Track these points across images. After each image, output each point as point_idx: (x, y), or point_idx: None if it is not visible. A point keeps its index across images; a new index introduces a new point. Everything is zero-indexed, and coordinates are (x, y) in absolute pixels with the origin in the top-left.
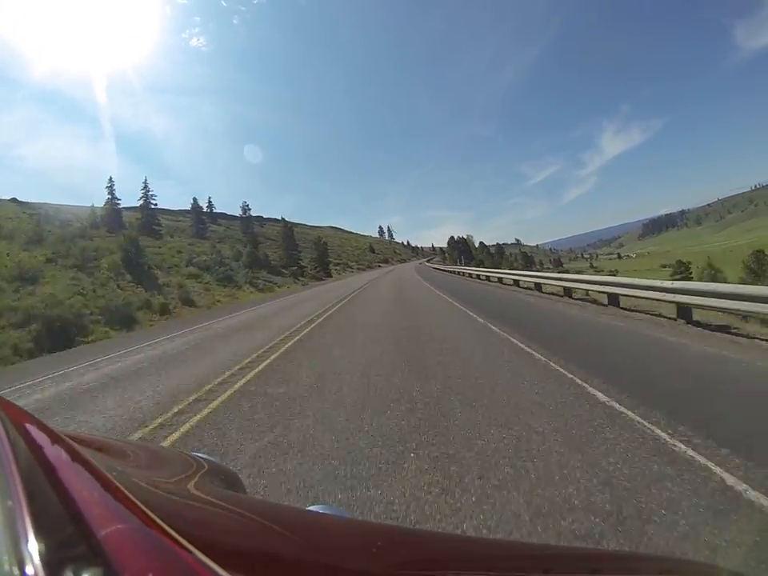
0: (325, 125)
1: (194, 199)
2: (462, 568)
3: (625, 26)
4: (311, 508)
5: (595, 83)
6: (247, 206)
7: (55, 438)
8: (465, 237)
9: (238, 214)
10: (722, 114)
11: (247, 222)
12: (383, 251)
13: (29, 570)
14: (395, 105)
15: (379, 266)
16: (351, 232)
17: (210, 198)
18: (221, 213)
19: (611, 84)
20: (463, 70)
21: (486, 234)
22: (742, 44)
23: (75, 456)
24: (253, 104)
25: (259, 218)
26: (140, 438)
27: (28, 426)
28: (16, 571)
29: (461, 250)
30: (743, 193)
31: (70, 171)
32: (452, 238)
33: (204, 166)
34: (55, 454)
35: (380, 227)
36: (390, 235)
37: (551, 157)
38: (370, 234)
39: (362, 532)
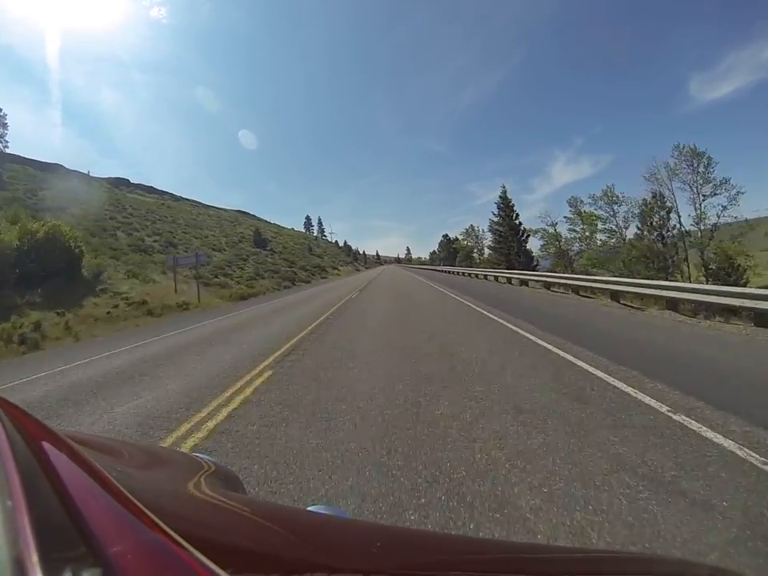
0: (277, 122)
1: None
2: (462, 569)
3: (587, 65)
4: (311, 508)
5: (552, 114)
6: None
7: (55, 438)
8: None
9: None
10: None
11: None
12: (289, 250)
13: (28, 570)
14: (351, 111)
15: None
16: (263, 219)
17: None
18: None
19: (567, 116)
20: (424, 86)
21: (428, 249)
22: (695, 95)
23: (75, 456)
24: (206, 90)
25: (124, 180)
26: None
27: (28, 426)
28: (15, 571)
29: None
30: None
31: None
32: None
33: (149, 146)
34: (55, 454)
35: (307, 217)
36: (321, 230)
37: (501, 179)
38: (292, 227)
39: (362, 532)
